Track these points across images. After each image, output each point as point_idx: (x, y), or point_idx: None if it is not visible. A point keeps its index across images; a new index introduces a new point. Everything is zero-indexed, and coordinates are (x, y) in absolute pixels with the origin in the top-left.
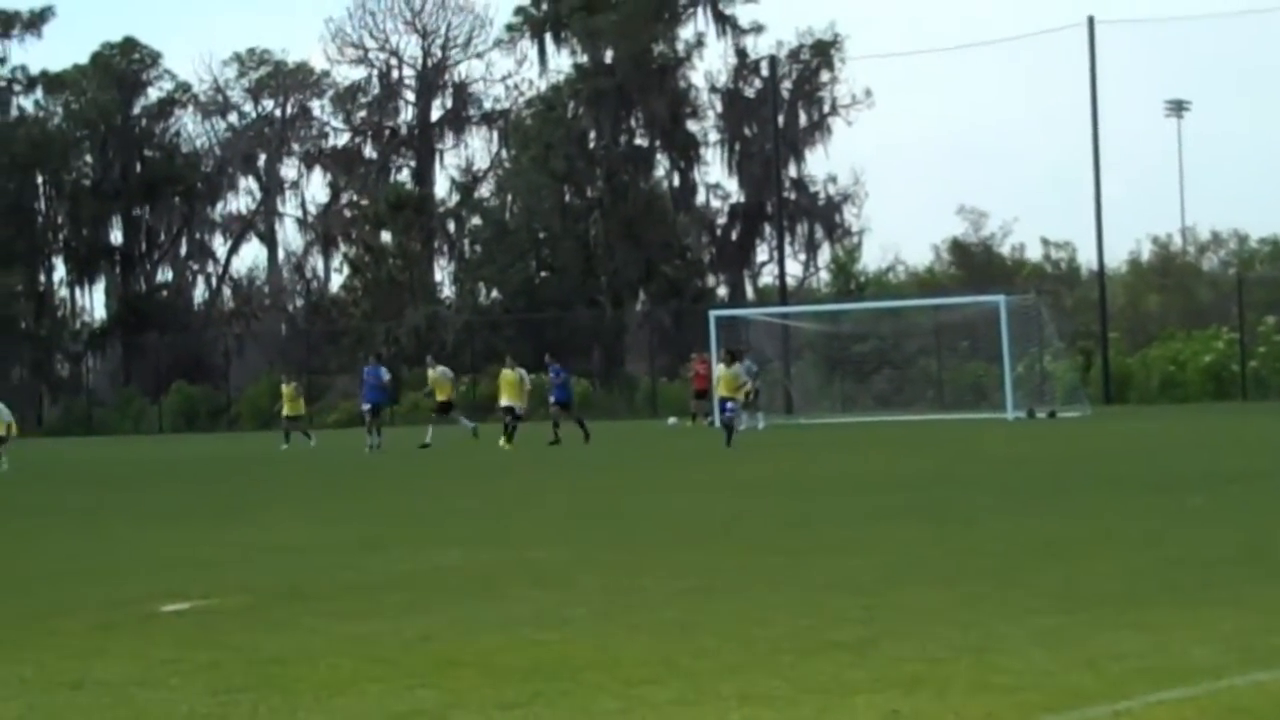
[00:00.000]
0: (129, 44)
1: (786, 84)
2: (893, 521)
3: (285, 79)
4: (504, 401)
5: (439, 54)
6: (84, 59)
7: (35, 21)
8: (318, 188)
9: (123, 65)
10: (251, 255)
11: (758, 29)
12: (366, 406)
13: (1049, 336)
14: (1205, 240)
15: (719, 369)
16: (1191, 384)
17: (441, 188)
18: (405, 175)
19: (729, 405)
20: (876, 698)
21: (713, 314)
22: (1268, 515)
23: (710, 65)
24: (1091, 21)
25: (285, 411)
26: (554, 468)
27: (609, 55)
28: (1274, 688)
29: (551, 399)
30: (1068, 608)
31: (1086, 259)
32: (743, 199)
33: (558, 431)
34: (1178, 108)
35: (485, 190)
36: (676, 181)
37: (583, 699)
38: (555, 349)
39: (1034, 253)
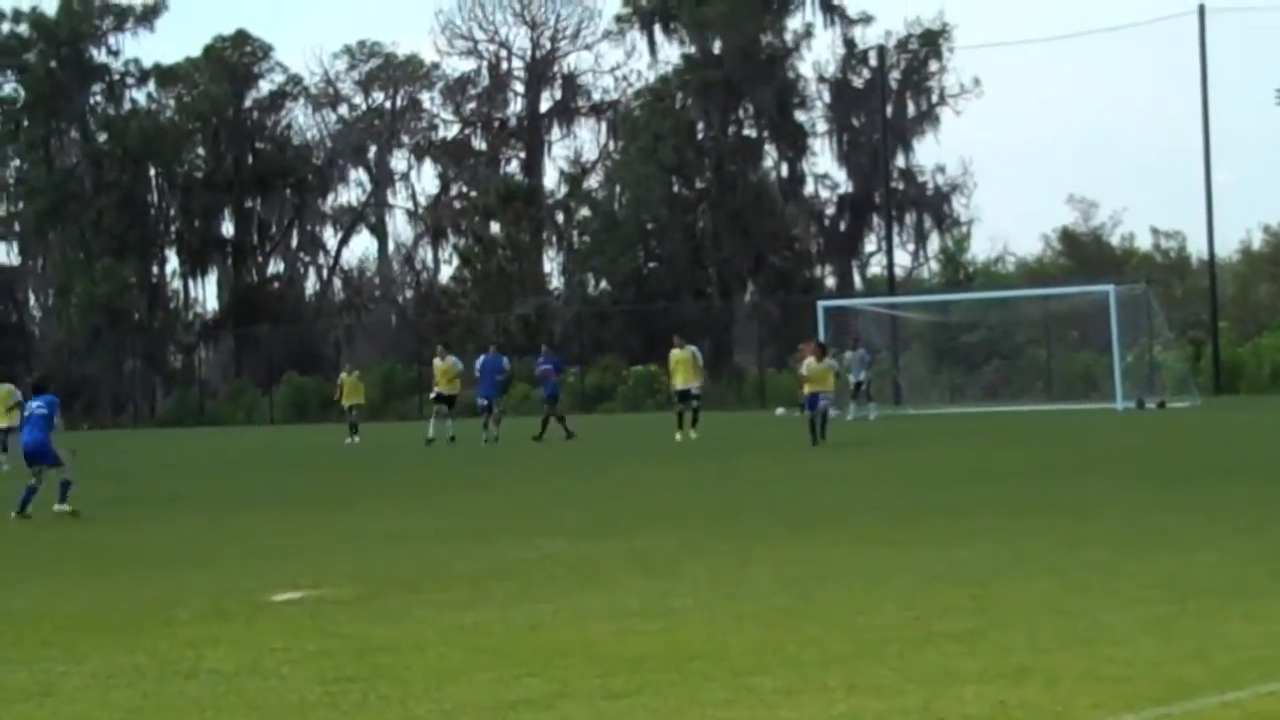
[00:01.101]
0: (240, 37)
1: (895, 74)
2: (1001, 513)
3: (395, 71)
4: (678, 385)
5: (548, 45)
6: (196, 52)
7: (148, 15)
8: (428, 179)
9: (234, 58)
10: (362, 247)
11: (866, 19)
12: (483, 401)
13: (1158, 326)
14: None
15: (808, 362)
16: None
17: (550, 179)
18: (514, 167)
19: (822, 398)
20: (984, 688)
21: (821, 304)
22: None
23: (818, 55)
24: (1202, 10)
25: (346, 401)
26: (658, 456)
27: (717, 46)
28: None
29: (545, 393)
30: (1176, 598)
31: (1197, 248)
32: (851, 189)
33: (547, 427)
34: None
35: (594, 181)
36: (784, 172)
37: (690, 688)
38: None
39: (1144, 242)
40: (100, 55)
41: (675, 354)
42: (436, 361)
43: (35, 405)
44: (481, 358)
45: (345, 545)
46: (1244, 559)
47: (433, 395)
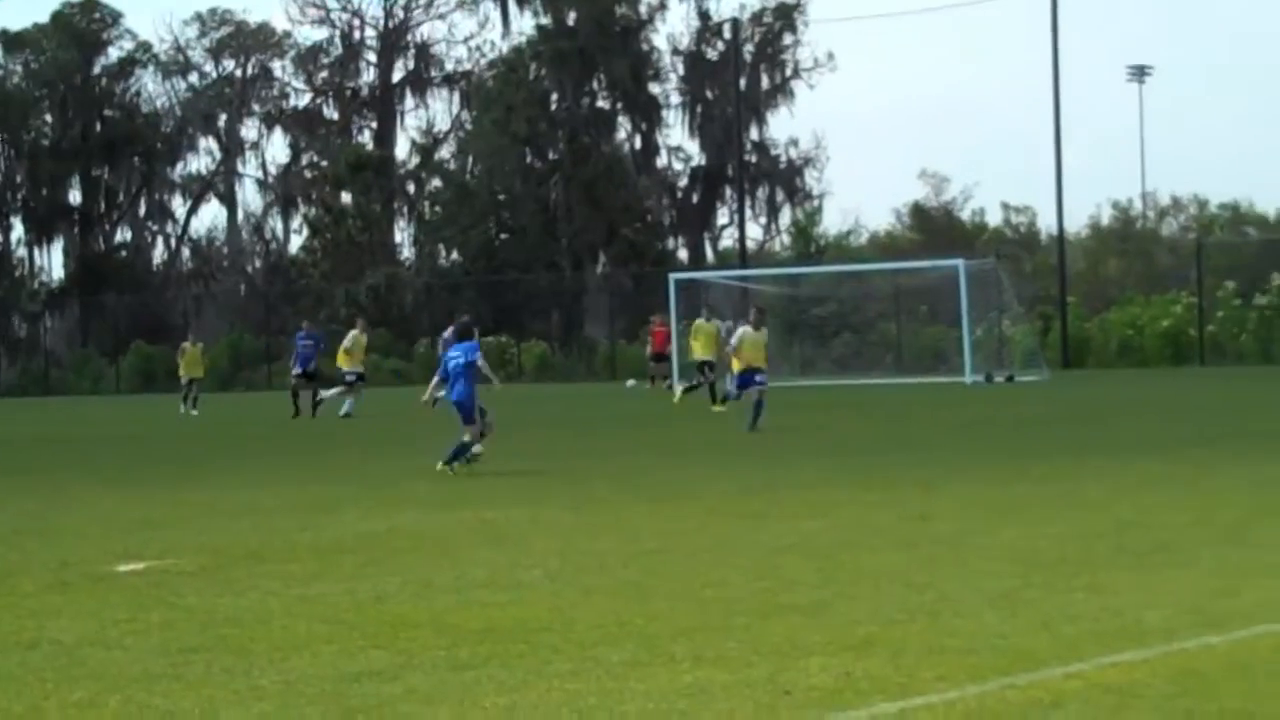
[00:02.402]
0: (89, 3)
1: (749, 47)
2: (850, 485)
3: (246, 39)
4: (698, 356)
5: (401, 15)
6: (44, 18)
7: None
8: (278, 148)
9: (83, 24)
10: (211, 216)
11: None
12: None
13: (1008, 301)
14: (1165, 205)
15: (743, 331)
16: (1150, 348)
17: (402, 149)
18: (366, 136)
19: (759, 377)
20: (830, 660)
21: (672, 277)
22: (1221, 479)
23: (672, 28)
24: None
25: (185, 372)
26: (510, 430)
27: (571, 17)
28: (1224, 649)
29: (295, 369)
30: (1021, 571)
31: (1046, 223)
32: (704, 162)
33: (297, 403)
34: (1139, 73)
35: (446, 152)
36: (638, 144)
37: (536, 660)
38: (507, 313)
39: (994, 217)
40: None
41: (701, 324)
42: (354, 333)
43: (458, 355)
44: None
45: (191, 517)
46: (1089, 532)
47: (356, 374)
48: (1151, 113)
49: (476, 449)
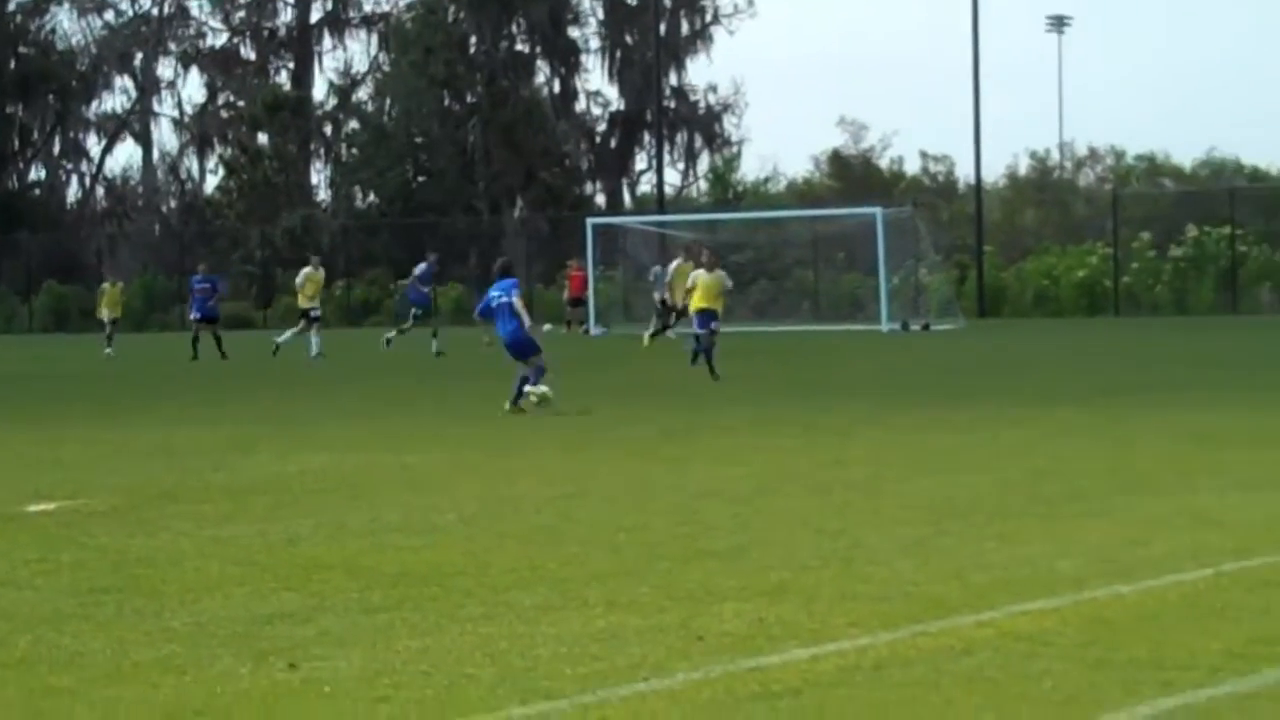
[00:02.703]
0: None
1: None
2: (768, 431)
3: None
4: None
5: None
6: None
7: None
8: (194, 88)
9: None
10: (126, 155)
11: None
12: (418, 311)
13: (925, 249)
14: (1082, 156)
15: (697, 274)
16: (1065, 299)
17: (319, 90)
18: (283, 77)
19: (713, 321)
20: (743, 605)
21: (590, 221)
22: (1135, 428)
23: None
24: None
25: (106, 312)
26: (425, 371)
27: None
28: (1134, 599)
29: (193, 313)
30: (935, 519)
31: (964, 173)
32: (622, 107)
33: (197, 348)
34: (1059, 23)
35: (363, 94)
36: (556, 88)
37: (449, 604)
38: (429, 251)
39: (912, 166)
40: None
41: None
42: (306, 270)
43: (499, 294)
44: (422, 266)
45: (103, 457)
46: (1003, 482)
47: (313, 311)
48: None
49: (542, 389)
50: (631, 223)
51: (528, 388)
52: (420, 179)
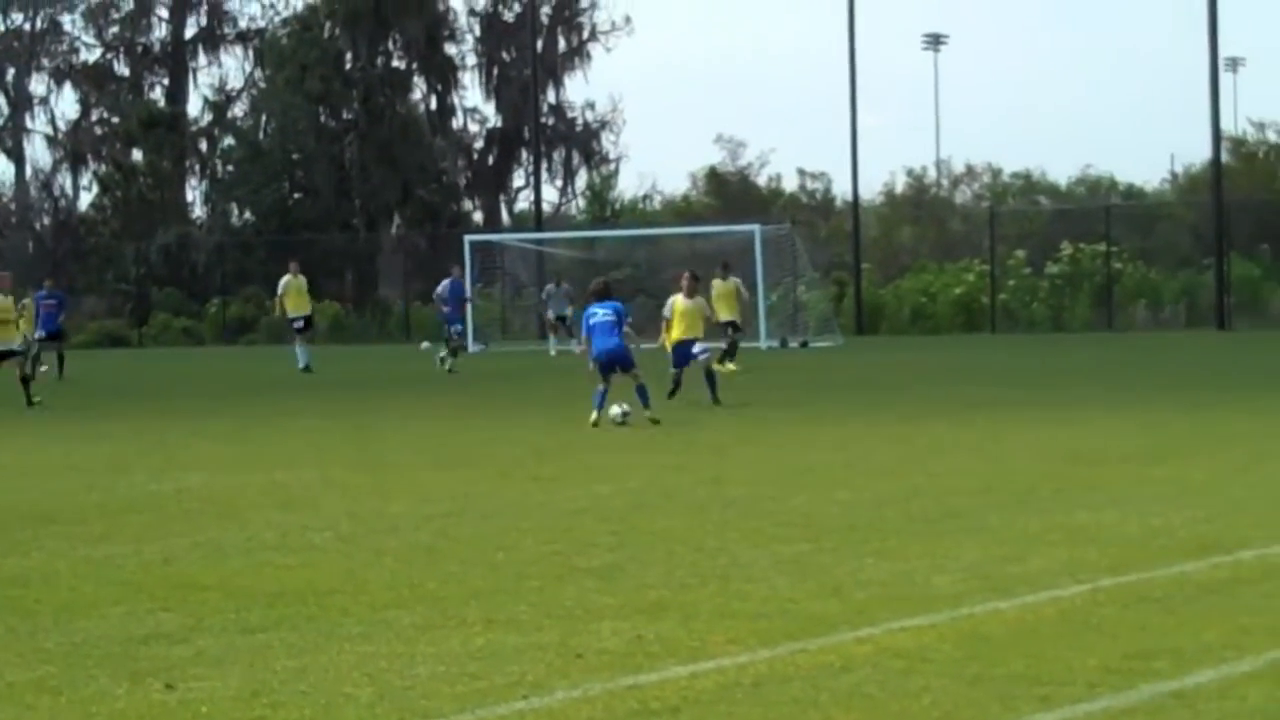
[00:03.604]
0: None
1: (546, 9)
2: (643, 449)
3: None
4: (723, 317)
5: None
6: None
7: None
8: (68, 104)
9: None
10: None
11: None
12: (458, 329)
13: (803, 266)
14: (959, 174)
15: (675, 300)
16: (942, 315)
17: (194, 107)
18: (158, 93)
19: (696, 347)
20: (622, 624)
21: (468, 239)
22: (1010, 445)
23: None
24: None
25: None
26: (302, 391)
27: None
28: (1011, 615)
29: (39, 331)
30: (813, 536)
31: (841, 190)
32: (500, 124)
33: (36, 367)
34: (935, 41)
35: (239, 110)
36: (434, 105)
37: (327, 623)
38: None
39: (790, 183)
40: None
41: (718, 284)
42: (288, 279)
43: (603, 312)
44: (445, 283)
45: None
46: (879, 498)
47: (294, 321)
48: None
49: (624, 409)
50: (510, 240)
51: (617, 409)
52: (296, 196)
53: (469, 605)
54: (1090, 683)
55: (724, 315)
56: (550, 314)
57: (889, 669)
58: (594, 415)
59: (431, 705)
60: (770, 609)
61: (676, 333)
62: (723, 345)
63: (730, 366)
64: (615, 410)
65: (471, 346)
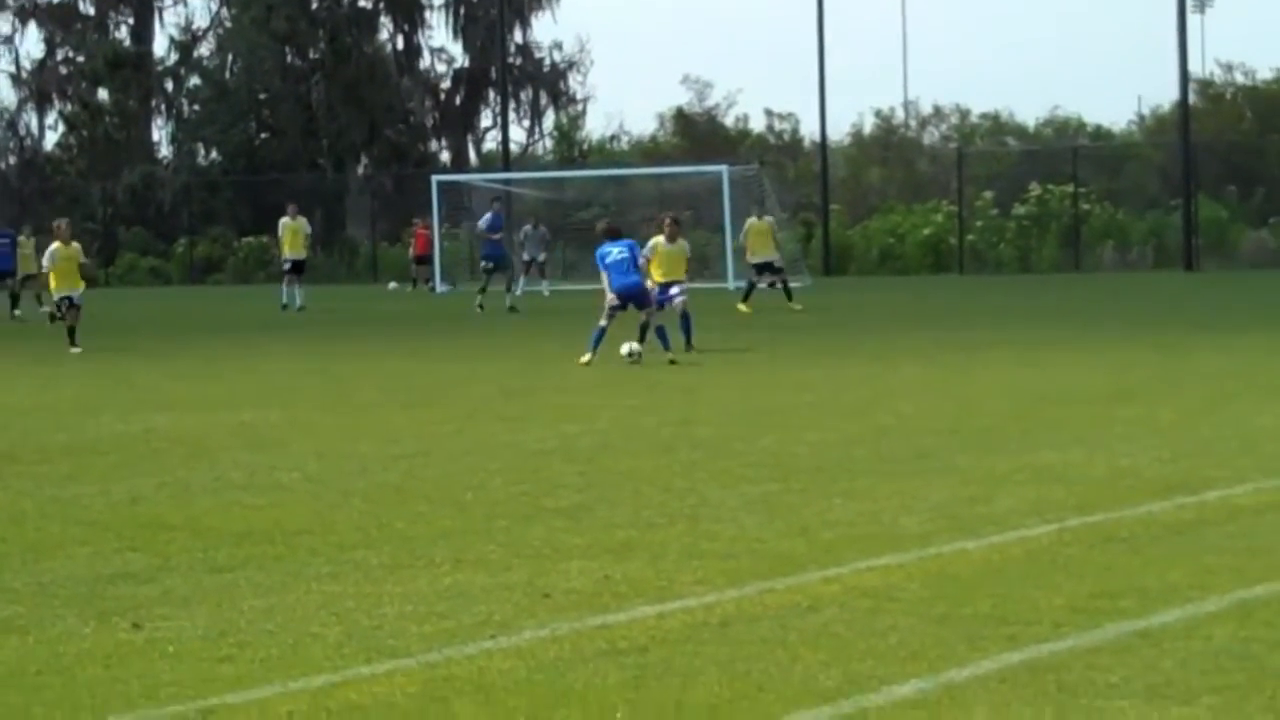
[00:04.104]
0: None
1: None
2: (611, 390)
3: None
4: (757, 257)
5: None
6: None
7: None
8: (32, 43)
9: None
10: None
11: None
12: (527, 258)
13: (771, 207)
14: (927, 114)
15: (656, 242)
16: (910, 256)
17: (160, 46)
18: (123, 33)
19: (675, 289)
20: (590, 563)
21: (435, 179)
22: (978, 386)
23: None
24: None
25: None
26: (268, 330)
27: None
28: (978, 555)
29: None
30: (781, 476)
31: (809, 131)
32: (467, 64)
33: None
34: None
35: (205, 50)
36: (400, 45)
37: (294, 563)
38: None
39: (757, 124)
40: None
41: (753, 223)
42: (286, 220)
43: (617, 250)
44: (488, 216)
45: None
46: (847, 439)
47: (285, 263)
48: (914, 21)
49: (638, 347)
50: (476, 180)
51: (635, 345)
52: (263, 135)
53: (437, 545)
54: (1056, 622)
55: (762, 254)
56: (525, 255)
57: (856, 608)
58: (587, 355)
59: (399, 644)
60: (738, 549)
61: (657, 275)
62: (685, 288)
63: (742, 308)
64: (627, 348)
65: (439, 287)
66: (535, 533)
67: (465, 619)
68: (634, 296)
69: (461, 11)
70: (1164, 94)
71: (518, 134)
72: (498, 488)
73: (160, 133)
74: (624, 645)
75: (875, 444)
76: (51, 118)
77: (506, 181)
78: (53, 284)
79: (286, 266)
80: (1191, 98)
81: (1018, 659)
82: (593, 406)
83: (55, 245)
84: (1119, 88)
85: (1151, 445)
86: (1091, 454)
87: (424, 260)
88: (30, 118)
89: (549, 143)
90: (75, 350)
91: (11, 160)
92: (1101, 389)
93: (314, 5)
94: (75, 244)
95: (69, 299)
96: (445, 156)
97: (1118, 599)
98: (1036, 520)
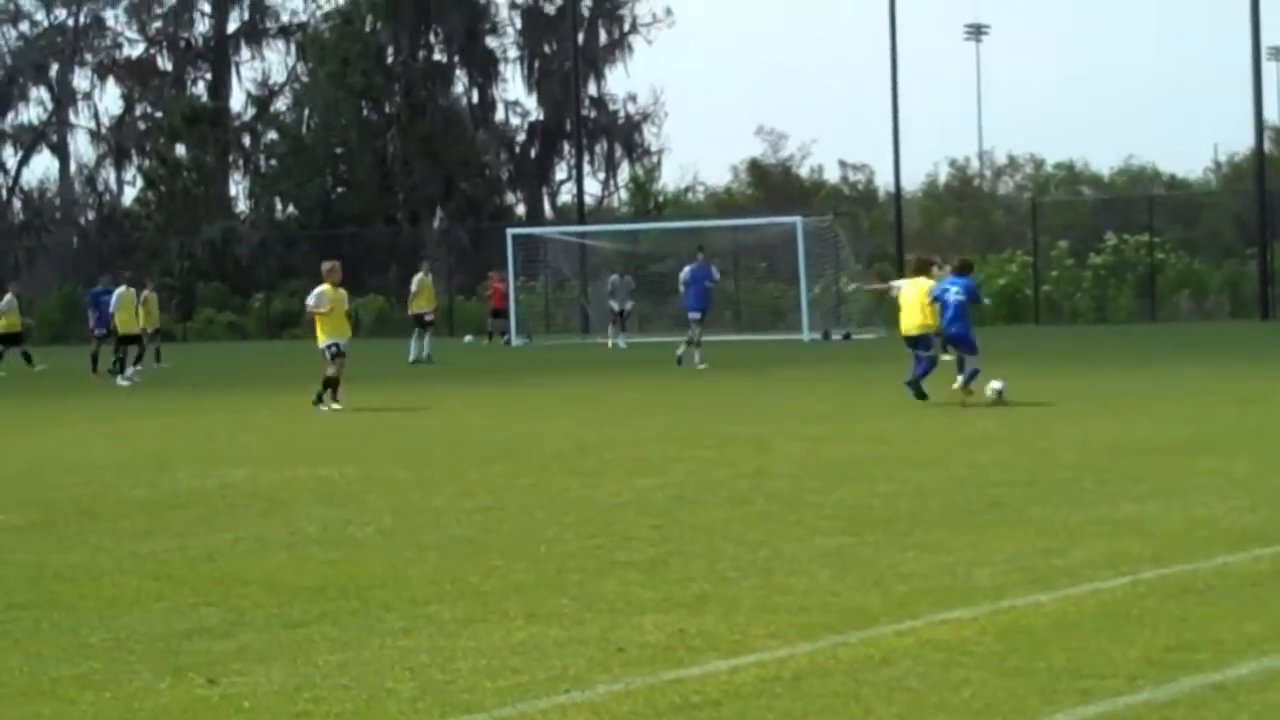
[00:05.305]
0: None
1: (586, 1)
2: (685, 442)
3: None
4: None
5: None
6: None
7: None
8: (111, 99)
9: None
10: (43, 167)
11: None
12: (695, 315)
13: (845, 258)
14: (1001, 164)
15: (899, 285)
16: (986, 307)
17: (237, 101)
18: (200, 88)
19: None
20: (664, 617)
21: (510, 232)
22: (1054, 438)
23: None
24: None
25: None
26: (347, 386)
27: None
28: (1052, 608)
29: (98, 329)
30: (855, 529)
31: (884, 181)
32: (542, 117)
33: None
34: (977, 32)
35: (281, 104)
36: (475, 98)
37: (369, 618)
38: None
39: (832, 174)
40: None
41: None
42: (420, 276)
43: (955, 289)
44: (688, 268)
45: (22, 472)
46: (921, 490)
47: (427, 315)
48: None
49: (999, 385)
50: (552, 233)
51: (989, 386)
52: (340, 190)
53: (510, 599)
54: (1131, 675)
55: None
56: (614, 305)
57: (930, 662)
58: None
59: (473, 699)
60: (811, 602)
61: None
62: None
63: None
64: (994, 386)
65: (515, 340)
66: (609, 586)
67: (539, 673)
68: (958, 342)
69: (536, 65)
70: (1239, 142)
71: (593, 186)
72: (571, 541)
73: (237, 187)
74: (697, 700)
75: (949, 495)
76: (130, 173)
77: (582, 234)
78: (319, 330)
79: (430, 318)
80: (1267, 145)
81: (1092, 713)
82: (666, 459)
83: (324, 288)
84: (1194, 136)
85: (1228, 496)
86: (1167, 505)
87: (500, 313)
88: (109, 174)
89: (624, 195)
90: (336, 407)
91: (90, 216)
92: (1178, 440)
93: (389, 59)
94: (343, 289)
95: (336, 345)
96: (520, 209)
97: (1193, 652)
98: (1111, 572)
